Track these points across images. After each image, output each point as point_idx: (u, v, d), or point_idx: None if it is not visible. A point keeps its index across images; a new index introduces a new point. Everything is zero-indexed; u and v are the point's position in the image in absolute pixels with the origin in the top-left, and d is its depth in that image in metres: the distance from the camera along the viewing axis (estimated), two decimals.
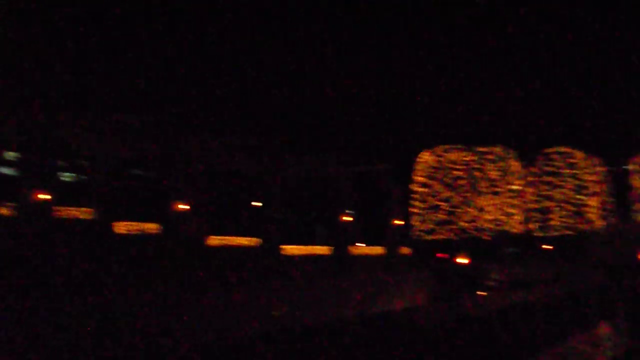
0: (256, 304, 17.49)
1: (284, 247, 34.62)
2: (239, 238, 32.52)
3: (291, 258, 34.12)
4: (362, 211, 66.91)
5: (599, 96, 56.28)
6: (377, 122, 53.44)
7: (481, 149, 50.13)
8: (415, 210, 48.86)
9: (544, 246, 52.10)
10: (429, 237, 47.65)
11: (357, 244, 54.14)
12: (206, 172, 31.28)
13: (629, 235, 38.06)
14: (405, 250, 52.99)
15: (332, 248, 41.15)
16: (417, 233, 48.40)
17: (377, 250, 51.48)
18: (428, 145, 50.51)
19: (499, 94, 53.55)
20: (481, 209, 47.34)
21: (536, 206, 50.31)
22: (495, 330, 12.73)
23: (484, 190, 48.21)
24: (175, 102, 31.30)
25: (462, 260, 35.88)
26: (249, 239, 33.12)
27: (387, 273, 38.38)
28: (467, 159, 49.13)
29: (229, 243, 31.48)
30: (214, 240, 30.56)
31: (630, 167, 55.43)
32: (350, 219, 43.33)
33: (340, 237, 41.97)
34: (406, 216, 49.78)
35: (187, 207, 28.63)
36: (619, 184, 53.35)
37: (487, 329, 13.04)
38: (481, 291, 23.47)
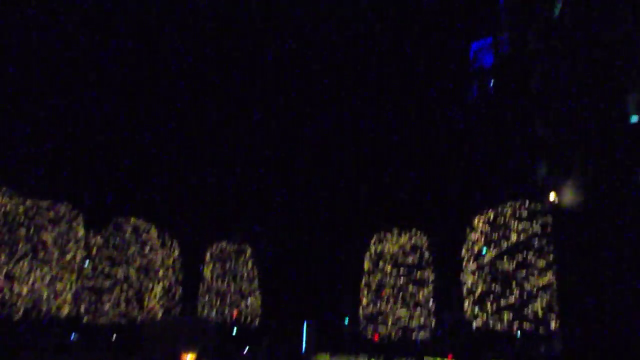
0: None
1: None
2: None
3: None
4: None
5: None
6: None
7: (39, 203, 39.24)
8: None
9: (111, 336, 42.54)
10: None
11: None
12: None
13: (179, 329, 31.98)
14: None
15: None
16: None
17: None
18: None
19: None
20: (14, 280, 35.64)
21: (91, 284, 40.99)
22: None
23: (26, 256, 36.90)
24: None
25: None
26: None
27: None
28: (17, 212, 37.41)
29: None
30: None
31: (207, 256, 52.44)
32: None
33: None
34: None
35: None
36: (187, 271, 48.69)
37: None
38: None
